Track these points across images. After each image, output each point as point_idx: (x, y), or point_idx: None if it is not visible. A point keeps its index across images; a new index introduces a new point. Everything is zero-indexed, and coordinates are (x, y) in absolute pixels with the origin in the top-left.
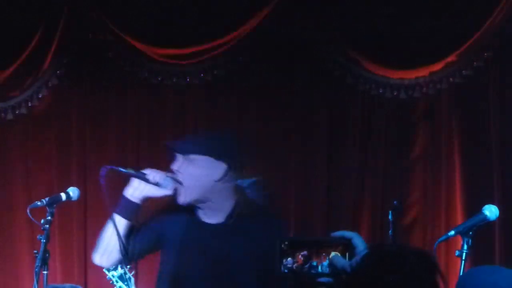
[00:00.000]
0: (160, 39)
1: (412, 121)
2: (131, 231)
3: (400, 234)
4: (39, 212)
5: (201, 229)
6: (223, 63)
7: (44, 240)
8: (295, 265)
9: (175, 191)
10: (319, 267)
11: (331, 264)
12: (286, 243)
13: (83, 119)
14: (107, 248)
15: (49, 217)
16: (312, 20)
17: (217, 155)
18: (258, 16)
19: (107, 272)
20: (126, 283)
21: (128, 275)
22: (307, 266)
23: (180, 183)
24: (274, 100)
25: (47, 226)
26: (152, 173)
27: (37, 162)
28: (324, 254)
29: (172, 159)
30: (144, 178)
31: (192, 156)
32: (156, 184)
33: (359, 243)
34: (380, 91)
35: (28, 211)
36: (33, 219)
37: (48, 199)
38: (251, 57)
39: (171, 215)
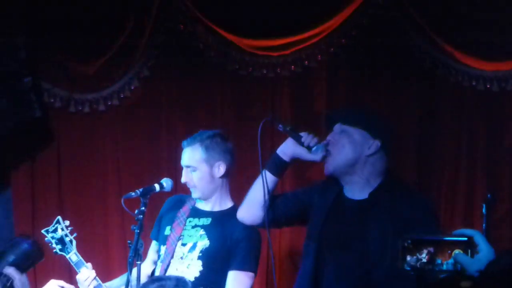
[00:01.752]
0: (250, 30)
1: (504, 114)
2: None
3: (491, 229)
4: (131, 202)
5: (346, 205)
6: (314, 54)
7: (138, 230)
8: (418, 263)
9: (324, 159)
10: (444, 265)
11: (456, 262)
12: (409, 241)
13: (173, 111)
14: (252, 202)
15: (142, 208)
16: (402, 10)
17: (373, 131)
18: (349, 7)
19: (45, 234)
20: (66, 246)
21: (70, 237)
22: (431, 263)
23: (330, 153)
24: (364, 91)
25: (141, 216)
26: (307, 137)
27: (127, 153)
28: (448, 251)
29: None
30: (298, 139)
31: (348, 128)
32: (308, 148)
33: (481, 241)
34: (473, 83)
35: (122, 201)
36: (127, 209)
37: (142, 189)
38: (341, 48)
39: (320, 188)
